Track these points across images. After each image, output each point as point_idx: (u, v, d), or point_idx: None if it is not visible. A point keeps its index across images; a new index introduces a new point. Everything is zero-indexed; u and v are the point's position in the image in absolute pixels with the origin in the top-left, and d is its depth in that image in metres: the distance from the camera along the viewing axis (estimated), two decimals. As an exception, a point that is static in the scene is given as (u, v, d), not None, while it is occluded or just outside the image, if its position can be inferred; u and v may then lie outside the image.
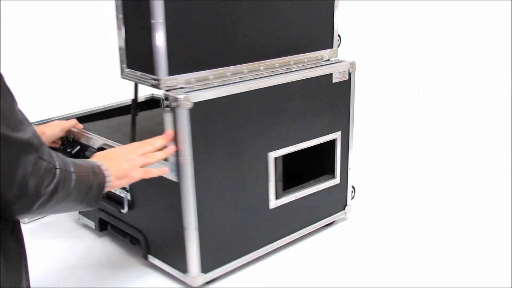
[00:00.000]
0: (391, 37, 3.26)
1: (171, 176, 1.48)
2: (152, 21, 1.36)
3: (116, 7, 1.47)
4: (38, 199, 1.03)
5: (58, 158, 1.09)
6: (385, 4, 3.26)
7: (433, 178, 2.45)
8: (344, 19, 3.35)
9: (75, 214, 2.00)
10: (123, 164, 1.34)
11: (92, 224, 1.89)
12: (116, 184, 1.32)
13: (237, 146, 1.55)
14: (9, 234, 1.09)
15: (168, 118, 1.42)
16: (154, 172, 1.40)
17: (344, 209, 1.94)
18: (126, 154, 1.37)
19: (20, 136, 1.00)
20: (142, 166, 1.37)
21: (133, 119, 1.71)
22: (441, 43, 3.08)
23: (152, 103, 2.12)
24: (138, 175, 1.36)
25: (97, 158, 1.33)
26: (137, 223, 1.71)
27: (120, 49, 1.51)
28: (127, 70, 1.52)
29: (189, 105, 1.40)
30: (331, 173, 1.86)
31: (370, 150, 2.64)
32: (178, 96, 1.38)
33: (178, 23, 1.39)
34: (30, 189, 1.01)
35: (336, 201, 1.91)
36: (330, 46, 1.82)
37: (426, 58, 3.10)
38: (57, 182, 1.07)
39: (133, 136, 1.68)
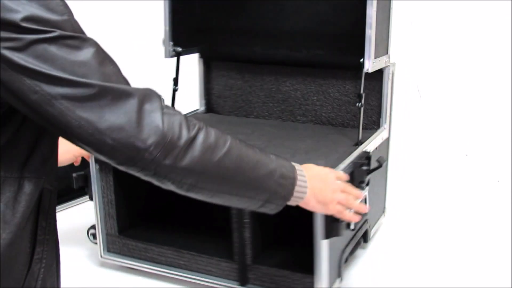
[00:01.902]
0: (391, 37, 3.23)
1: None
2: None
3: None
4: (177, 144, 0.93)
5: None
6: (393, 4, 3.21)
7: (433, 178, 2.48)
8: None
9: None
10: (327, 192, 1.24)
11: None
12: (311, 205, 1.21)
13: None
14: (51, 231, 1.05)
15: None
16: (347, 215, 1.30)
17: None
18: (333, 182, 1.27)
19: (139, 88, 0.95)
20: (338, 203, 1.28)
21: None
22: (441, 43, 3.05)
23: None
24: (334, 209, 1.26)
25: (305, 170, 1.21)
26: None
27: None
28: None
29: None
30: None
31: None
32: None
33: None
34: (166, 136, 0.92)
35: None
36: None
37: (426, 58, 3.07)
38: (197, 129, 0.97)
39: None
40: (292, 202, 1.17)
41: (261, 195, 1.09)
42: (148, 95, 0.94)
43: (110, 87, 0.89)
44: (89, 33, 0.93)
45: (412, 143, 2.87)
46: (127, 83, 0.94)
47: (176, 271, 1.84)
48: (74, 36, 0.87)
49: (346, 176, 1.34)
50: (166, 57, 2.03)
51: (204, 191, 1.01)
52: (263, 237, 1.77)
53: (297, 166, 1.18)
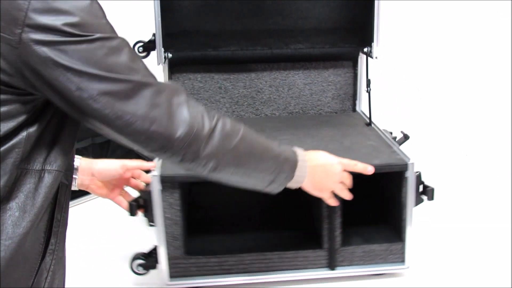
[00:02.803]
0: (391, 37, 3.24)
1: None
2: None
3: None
4: (202, 136, 1.04)
5: None
6: (385, 4, 3.33)
7: (433, 178, 2.41)
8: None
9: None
10: (327, 183, 1.36)
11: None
12: (308, 189, 1.34)
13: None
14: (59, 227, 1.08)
15: None
16: (331, 202, 1.42)
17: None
18: (336, 174, 1.37)
19: (166, 83, 1.05)
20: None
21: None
22: (441, 43, 3.11)
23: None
24: (325, 195, 1.38)
25: (310, 159, 1.32)
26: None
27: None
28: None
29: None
30: None
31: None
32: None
33: None
34: (193, 126, 1.03)
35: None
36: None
37: (426, 58, 3.12)
38: (216, 120, 1.08)
39: None
40: (292, 184, 1.29)
41: (269, 176, 1.22)
42: (175, 90, 1.04)
43: (145, 82, 0.98)
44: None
45: (412, 143, 2.83)
46: (154, 77, 1.03)
47: (259, 276, 1.68)
48: (111, 37, 0.96)
49: (354, 165, 1.41)
50: (159, 63, 1.92)
51: (223, 172, 1.14)
52: (344, 220, 1.71)
53: (299, 152, 1.31)
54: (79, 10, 0.91)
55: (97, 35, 0.93)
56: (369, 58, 2.02)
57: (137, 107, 0.97)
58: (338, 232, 1.66)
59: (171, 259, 1.67)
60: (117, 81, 0.95)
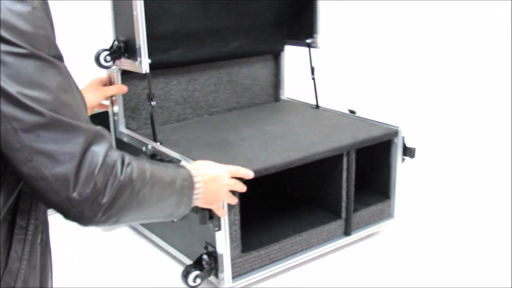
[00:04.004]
0: (391, 37, 3.26)
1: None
2: None
3: None
4: (108, 193, 0.97)
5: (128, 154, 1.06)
6: (385, 4, 3.22)
7: (433, 178, 2.47)
8: (345, 19, 3.38)
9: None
10: (218, 195, 1.42)
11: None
12: (200, 204, 1.38)
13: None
14: (45, 226, 1.08)
15: None
16: (221, 213, 1.51)
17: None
18: (225, 184, 1.43)
19: (92, 127, 0.97)
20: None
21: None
22: (441, 43, 3.13)
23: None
24: (215, 207, 1.46)
25: (201, 174, 1.32)
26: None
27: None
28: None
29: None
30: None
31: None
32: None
33: None
34: (99, 182, 0.94)
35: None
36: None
37: (427, 58, 3.14)
38: (129, 173, 1.01)
39: None
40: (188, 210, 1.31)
41: (173, 210, 1.22)
42: (97, 136, 0.96)
43: (62, 120, 0.91)
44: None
45: (412, 143, 2.64)
46: (83, 119, 0.96)
47: (297, 257, 1.80)
48: (45, 58, 0.90)
49: (237, 170, 1.52)
50: (144, 71, 1.75)
51: (123, 223, 1.07)
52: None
53: (194, 173, 1.30)
54: (18, 15, 0.87)
55: (30, 50, 0.87)
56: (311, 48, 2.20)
57: (44, 145, 0.89)
58: (352, 201, 1.88)
59: (232, 261, 1.65)
60: (31, 111, 0.88)
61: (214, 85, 2.21)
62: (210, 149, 1.80)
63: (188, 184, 1.26)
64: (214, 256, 1.63)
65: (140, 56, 1.73)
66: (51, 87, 0.89)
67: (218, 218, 1.56)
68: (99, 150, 0.95)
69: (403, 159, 1.98)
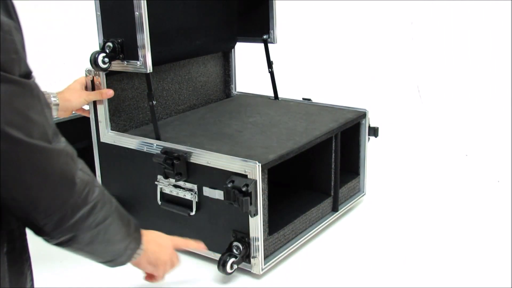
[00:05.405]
0: (391, 37, 3.19)
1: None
2: None
3: None
4: (76, 213, 0.99)
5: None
6: (385, 4, 3.14)
7: (433, 178, 2.47)
8: (345, 19, 3.34)
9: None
10: (161, 255, 1.41)
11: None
12: (143, 265, 1.36)
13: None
14: (15, 234, 1.05)
15: None
16: (159, 281, 1.49)
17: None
18: (168, 249, 1.45)
19: (56, 146, 0.96)
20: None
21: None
22: (441, 43, 3.08)
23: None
24: (159, 273, 1.44)
25: (145, 234, 1.32)
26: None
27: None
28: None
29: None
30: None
31: (369, 150, 2.47)
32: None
33: None
34: (66, 203, 0.97)
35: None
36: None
37: (426, 58, 3.08)
38: (97, 196, 1.04)
39: None
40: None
41: (113, 257, 1.23)
42: (66, 157, 0.97)
43: (30, 143, 0.90)
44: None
45: (412, 143, 2.85)
46: (54, 139, 0.95)
47: (305, 235, 1.93)
48: (16, 80, 0.88)
49: (186, 244, 1.60)
50: (148, 70, 1.77)
51: (73, 248, 1.09)
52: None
53: (142, 231, 1.31)
54: None
55: (1, 75, 0.85)
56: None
57: (11, 167, 0.89)
58: (339, 180, 2.05)
59: (264, 244, 1.73)
60: None
61: (178, 83, 2.24)
62: (217, 141, 1.85)
63: (138, 235, 1.27)
64: (247, 242, 1.70)
65: (143, 56, 1.74)
66: (20, 107, 0.87)
67: (256, 203, 1.64)
68: (67, 170, 0.96)
69: (369, 139, 2.21)
